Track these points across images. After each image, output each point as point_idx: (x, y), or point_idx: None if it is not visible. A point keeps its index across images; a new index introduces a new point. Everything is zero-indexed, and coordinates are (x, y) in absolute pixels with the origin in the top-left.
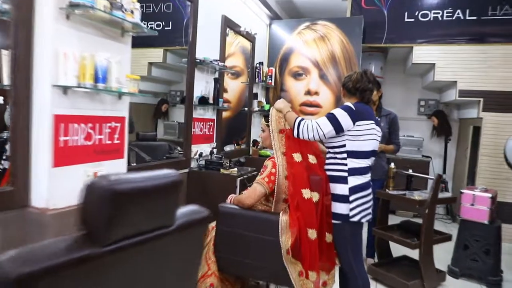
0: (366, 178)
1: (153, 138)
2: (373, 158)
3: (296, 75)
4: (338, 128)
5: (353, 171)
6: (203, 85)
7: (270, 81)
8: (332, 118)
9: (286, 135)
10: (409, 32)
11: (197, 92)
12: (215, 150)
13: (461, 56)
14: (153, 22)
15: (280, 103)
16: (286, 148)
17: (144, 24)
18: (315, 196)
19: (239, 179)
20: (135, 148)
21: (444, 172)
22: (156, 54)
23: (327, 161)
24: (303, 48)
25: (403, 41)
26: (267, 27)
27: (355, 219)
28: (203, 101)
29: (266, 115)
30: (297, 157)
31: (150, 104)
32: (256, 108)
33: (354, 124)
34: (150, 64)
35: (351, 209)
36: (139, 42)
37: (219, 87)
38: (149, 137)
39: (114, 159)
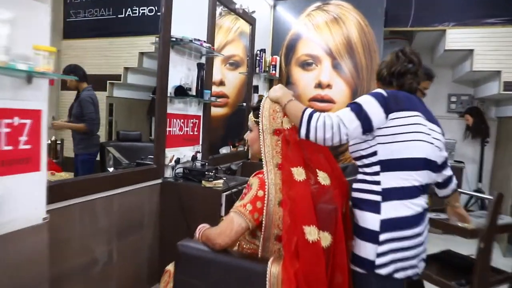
0: (414, 207)
1: (137, 138)
2: (428, 174)
3: (305, 65)
4: (366, 125)
5: (390, 194)
6: (183, 72)
7: (273, 71)
8: (357, 109)
9: (284, 139)
10: (441, 13)
11: (176, 81)
12: (199, 155)
13: (506, 40)
14: (145, 8)
15: (277, 90)
16: (283, 158)
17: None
18: (326, 239)
19: (224, 194)
20: (112, 149)
21: (480, 180)
22: (148, 43)
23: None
24: (313, 33)
25: (434, 24)
26: (271, 9)
27: (384, 270)
28: (181, 92)
29: (256, 107)
30: (299, 173)
31: (144, 100)
32: (256, 103)
33: (387, 116)
34: (142, 54)
35: (380, 255)
36: (128, 30)
37: (204, 75)
38: (132, 137)
39: (23, 172)
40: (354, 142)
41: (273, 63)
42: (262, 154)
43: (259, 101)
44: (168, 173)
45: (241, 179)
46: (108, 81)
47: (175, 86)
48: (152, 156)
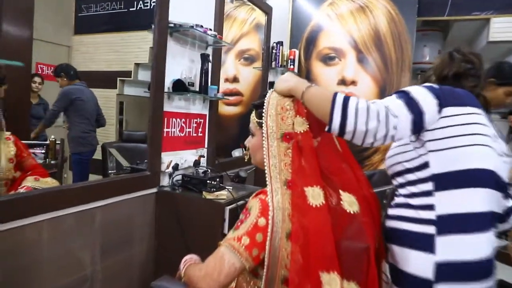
0: (483, 246)
1: (142, 139)
2: (497, 196)
3: (327, 59)
4: (418, 119)
5: (449, 223)
6: (185, 65)
7: (291, 66)
8: (406, 98)
9: (296, 146)
10: None
11: (176, 74)
12: (203, 160)
13: None
14: None
15: (288, 79)
16: (294, 172)
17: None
18: None
19: (228, 208)
20: (114, 150)
21: None
22: None
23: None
24: (336, 24)
25: (475, 11)
26: None
27: None
28: (180, 86)
29: (258, 104)
30: (316, 195)
31: None
32: None
33: (440, 110)
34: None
35: None
36: (140, 24)
37: (207, 68)
38: (136, 138)
39: None
40: (395, 150)
41: (291, 57)
42: (265, 168)
43: (263, 96)
44: (165, 181)
45: (251, 189)
46: (118, 78)
47: (173, 80)
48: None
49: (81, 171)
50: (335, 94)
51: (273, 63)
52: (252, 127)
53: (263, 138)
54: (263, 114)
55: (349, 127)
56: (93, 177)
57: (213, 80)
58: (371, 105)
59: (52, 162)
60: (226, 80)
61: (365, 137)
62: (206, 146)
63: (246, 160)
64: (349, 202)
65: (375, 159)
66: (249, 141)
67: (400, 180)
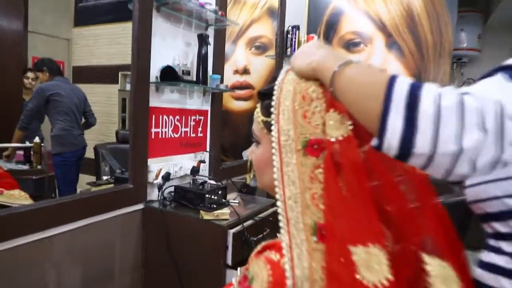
0: None
1: None
2: None
3: (351, 46)
4: None
5: None
6: (179, 49)
7: None
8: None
9: (330, 163)
10: None
11: (167, 60)
12: (204, 166)
13: None
14: None
15: (313, 52)
16: (329, 210)
17: None
18: None
19: (232, 231)
20: (107, 153)
21: None
22: None
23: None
24: (361, 4)
25: None
26: None
27: None
28: (171, 75)
29: (265, 92)
30: (372, 261)
31: None
32: None
33: None
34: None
35: None
36: None
37: (207, 52)
38: None
39: None
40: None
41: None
42: (278, 201)
43: (273, 79)
44: (154, 194)
45: (262, 202)
46: (120, 72)
47: (163, 67)
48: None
49: (64, 176)
50: (393, 79)
51: (288, 50)
52: (256, 131)
53: (273, 150)
54: (273, 109)
55: (423, 144)
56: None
57: (215, 68)
58: (467, 98)
59: (39, 167)
60: (236, 72)
61: (455, 165)
62: (207, 149)
63: (248, 183)
64: (443, 277)
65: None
66: (252, 153)
67: (497, 226)
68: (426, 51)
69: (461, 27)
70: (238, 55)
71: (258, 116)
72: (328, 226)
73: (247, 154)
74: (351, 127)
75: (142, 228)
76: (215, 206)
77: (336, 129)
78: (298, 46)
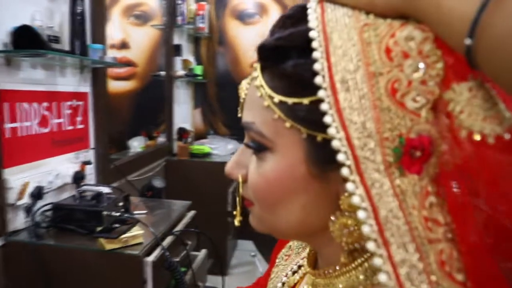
0: None
1: None
2: None
3: (245, 17)
4: None
5: None
6: (41, 4)
7: (202, 25)
8: None
9: (463, 189)
10: None
11: (21, 19)
12: (89, 168)
13: None
14: None
15: None
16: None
17: None
18: None
19: (149, 260)
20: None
21: None
22: None
23: None
24: None
25: None
26: None
27: None
28: (29, 40)
29: (280, 46)
30: None
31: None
32: (180, 72)
33: None
34: None
35: None
36: None
37: (83, 11)
38: None
39: None
40: None
41: (201, 12)
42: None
43: (285, 19)
44: (20, 220)
45: (175, 207)
46: None
47: (15, 28)
48: None
49: None
50: None
51: (179, 18)
52: (261, 127)
53: (345, 171)
54: (320, 80)
55: None
56: None
57: (95, 34)
58: None
59: None
60: (112, 46)
61: None
62: (92, 144)
63: (237, 224)
64: None
65: None
66: (243, 166)
67: None
68: None
69: None
70: (113, 27)
71: (268, 94)
72: None
73: (229, 171)
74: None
75: (4, 275)
76: (118, 226)
77: (484, 116)
78: (189, 16)
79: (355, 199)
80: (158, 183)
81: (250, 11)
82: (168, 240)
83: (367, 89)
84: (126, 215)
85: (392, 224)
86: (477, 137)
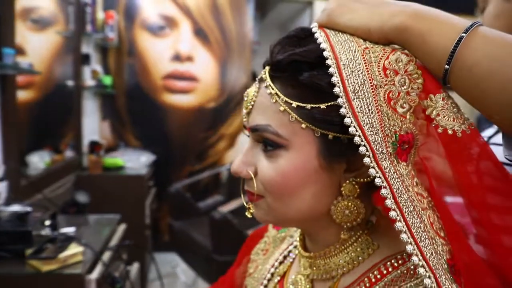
0: None
1: None
2: None
3: (155, 29)
4: None
5: None
6: None
7: (111, 35)
8: None
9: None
10: None
11: None
12: (2, 185)
13: None
14: None
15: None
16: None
17: None
18: None
19: (93, 277)
20: None
21: None
22: None
23: None
24: None
25: None
26: None
27: None
28: None
29: (295, 61)
30: None
31: None
32: (89, 82)
33: None
34: None
35: None
36: None
37: None
38: None
39: None
40: None
41: (110, 21)
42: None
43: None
44: None
45: (104, 222)
46: None
47: None
48: None
49: None
50: None
51: (88, 26)
52: (277, 127)
53: (366, 160)
54: (338, 90)
55: None
56: None
57: (4, 35)
58: None
59: None
60: None
61: None
62: (1, 160)
63: (250, 215)
64: None
65: (220, 147)
66: (250, 164)
67: None
68: (230, 41)
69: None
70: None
71: (284, 101)
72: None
73: (237, 169)
74: (468, 122)
75: None
76: (49, 245)
77: (454, 118)
78: (96, 23)
79: (377, 180)
80: (82, 198)
81: (159, 23)
82: (107, 255)
83: (372, 98)
84: (57, 233)
85: (402, 198)
86: (450, 132)
